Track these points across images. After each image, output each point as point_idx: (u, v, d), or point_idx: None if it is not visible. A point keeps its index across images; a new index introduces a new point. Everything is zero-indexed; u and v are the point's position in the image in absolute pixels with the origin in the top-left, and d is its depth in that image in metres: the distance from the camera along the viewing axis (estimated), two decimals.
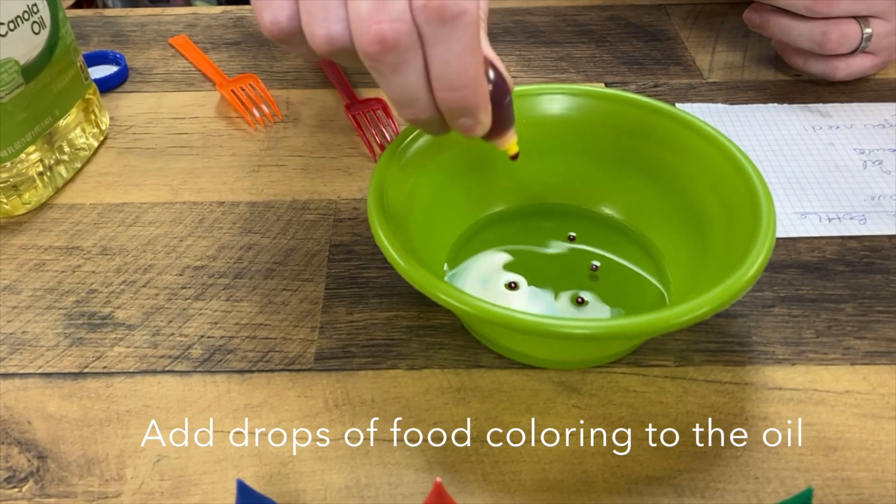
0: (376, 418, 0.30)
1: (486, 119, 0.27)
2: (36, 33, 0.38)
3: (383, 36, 0.24)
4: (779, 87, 0.49)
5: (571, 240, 0.36)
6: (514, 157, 0.30)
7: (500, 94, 0.28)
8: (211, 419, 0.30)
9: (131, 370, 0.32)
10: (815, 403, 0.30)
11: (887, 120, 0.45)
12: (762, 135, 0.45)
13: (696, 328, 0.33)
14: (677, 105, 0.47)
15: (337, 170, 0.43)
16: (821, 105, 0.47)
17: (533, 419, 0.30)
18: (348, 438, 0.29)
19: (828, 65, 0.46)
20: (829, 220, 0.39)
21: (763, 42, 0.53)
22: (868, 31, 0.43)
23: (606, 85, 0.49)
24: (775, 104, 0.47)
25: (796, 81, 0.49)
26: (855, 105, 0.47)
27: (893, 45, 0.45)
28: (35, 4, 0.38)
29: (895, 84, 0.48)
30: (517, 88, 0.36)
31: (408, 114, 0.27)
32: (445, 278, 0.34)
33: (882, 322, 0.33)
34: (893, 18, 0.44)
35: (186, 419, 0.30)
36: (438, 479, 0.21)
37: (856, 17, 0.43)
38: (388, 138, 0.44)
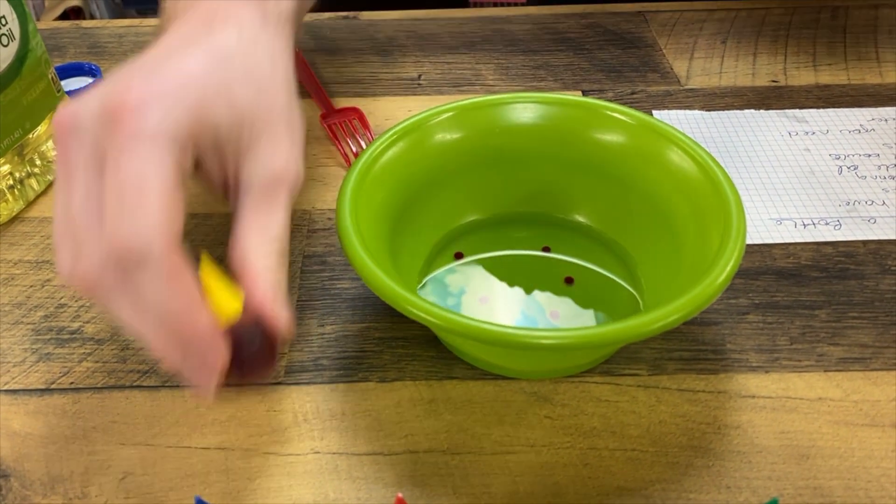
0: (346, 432, 0.30)
1: (213, 355, 0.25)
2: (4, 45, 0.38)
3: (82, 282, 0.25)
4: (756, 94, 0.49)
5: (545, 251, 0.36)
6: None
7: (248, 336, 0.25)
8: (178, 435, 0.30)
9: (99, 385, 0.32)
10: (789, 411, 0.30)
11: (863, 125, 0.45)
12: (739, 141, 0.45)
13: (669, 336, 0.33)
14: (654, 112, 0.47)
15: (312, 180, 0.43)
16: (797, 111, 0.47)
17: (505, 430, 0.30)
18: (317, 453, 0.29)
19: None
20: (805, 225, 0.39)
21: (740, 48, 0.53)
22: None
23: (584, 93, 0.49)
24: (752, 110, 0.47)
25: (773, 87, 0.49)
26: (831, 111, 0.47)
27: None
28: (3, 17, 0.38)
29: (871, 90, 0.49)
30: (490, 97, 0.36)
31: (149, 350, 0.26)
32: (418, 290, 0.34)
33: (856, 328, 0.33)
34: None
35: (153, 435, 0.30)
36: (399, 495, 0.21)
37: None
38: (364, 148, 0.44)
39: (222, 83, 0.27)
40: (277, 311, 0.26)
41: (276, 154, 0.28)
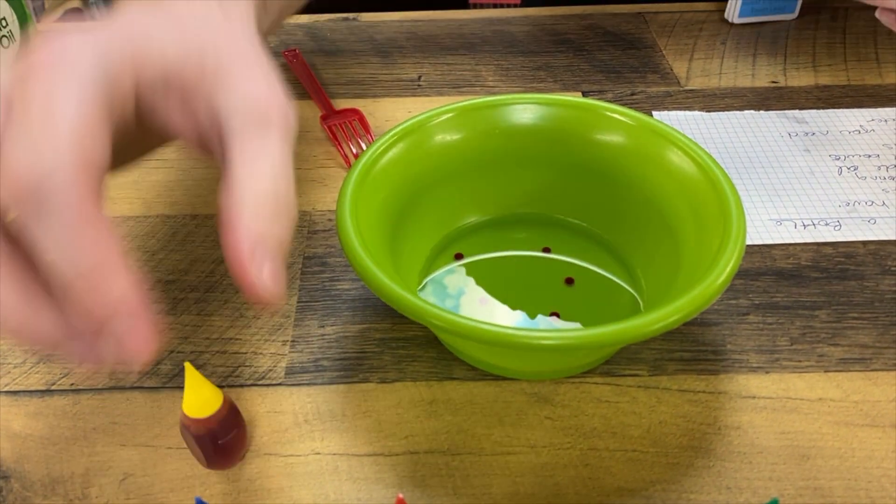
0: (347, 433, 0.30)
1: (136, 326, 0.19)
2: (5, 47, 0.38)
3: None
4: (755, 94, 0.49)
5: (546, 252, 0.36)
6: None
7: (224, 427, 0.26)
8: (179, 436, 0.30)
9: (99, 387, 0.32)
10: (789, 412, 0.30)
11: (863, 126, 0.45)
12: (739, 142, 0.45)
13: (670, 337, 0.33)
14: (654, 113, 0.47)
15: (312, 181, 0.43)
16: (797, 112, 0.47)
17: (505, 431, 0.30)
18: (317, 454, 0.29)
19: None
20: (805, 226, 0.39)
21: (740, 49, 0.53)
22: None
23: (584, 94, 0.49)
24: (752, 111, 0.47)
25: (773, 88, 0.49)
26: (831, 111, 0.47)
27: None
28: (4, 18, 0.38)
29: (871, 90, 0.49)
30: (490, 98, 0.36)
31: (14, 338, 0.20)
32: (418, 291, 0.34)
33: (855, 328, 0.33)
34: None
35: (154, 436, 0.30)
36: (400, 496, 0.21)
37: None
38: (364, 149, 0.44)
39: (167, 22, 0.23)
40: (255, 271, 0.21)
41: (253, 83, 0.23)
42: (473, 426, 0.30)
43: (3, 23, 0.37)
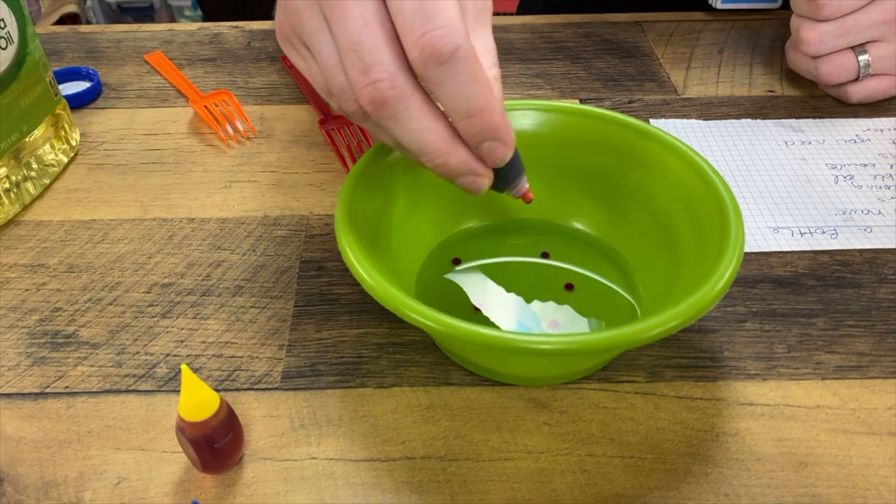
0: (343, 438, 0.30)
1: (509, 139, 0.28)
2: (3, 48, 0.38)
3: (373, 97, 0.26)
4: (752, 103, 0.49)
5: (544, 256, 0.36)
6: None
7: (221, 430, 0.28)
8: (174, 440, 0.30)
9: (94, 390, 0.31)
10: (786, 419, 0.30)
11: (859, 135, 0.46)
12: (735, 150, 0.45)
13: (667, 343, 0.33)
14: (651, 121, 0.47)
15: (310, 185, 0.43)
16: (794, 120, 0.47)
17: (502, 437, 0.30)
18: (314, 459, 0.29)
19: (839, 90, 0.47)
20: (801, 234, 0.39)
21: (737, 58, 0.54)
22: (864, 58, 0.45)
23: (581, 101, 0.50)
24: (749, 119, 0.47)
25: (770, 97, 0.50)
26: (827, 120, 0.47)
27: None
28: (2, 20, 0.37)
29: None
30: None
31: (427, 163, 0.28)
32: (415, 295, 0.34)
33: (852, 336, 0.33)
34: (894, 39, 0.44)
35: (149, 440, 0.30)
36: None
37: (851, 48, 0.45)
38: (362, 154, 0.44)
39: None
40: (505, 126, 0.27)
41: None
42: (471, 432, 0.30)
43: (2, 24, 0.37)
